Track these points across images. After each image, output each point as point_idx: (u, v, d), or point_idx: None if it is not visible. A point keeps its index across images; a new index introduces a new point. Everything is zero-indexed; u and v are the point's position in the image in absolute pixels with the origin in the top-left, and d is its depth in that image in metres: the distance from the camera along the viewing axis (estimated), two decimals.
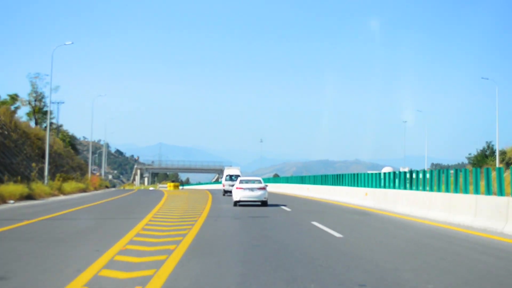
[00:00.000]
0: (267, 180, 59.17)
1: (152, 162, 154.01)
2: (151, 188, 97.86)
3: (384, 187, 24.95)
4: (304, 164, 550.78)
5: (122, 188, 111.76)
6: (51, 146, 48.57)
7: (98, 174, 57.83)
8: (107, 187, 73.38)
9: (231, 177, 40.73)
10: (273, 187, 55.58)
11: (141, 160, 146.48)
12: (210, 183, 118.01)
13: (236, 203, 25.59)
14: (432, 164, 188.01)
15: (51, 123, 69.73)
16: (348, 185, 31.32)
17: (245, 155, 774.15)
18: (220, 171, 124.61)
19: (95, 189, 54.40)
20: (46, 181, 39.03)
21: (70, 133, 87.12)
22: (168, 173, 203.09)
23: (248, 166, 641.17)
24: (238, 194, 25.41)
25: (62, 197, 35.59)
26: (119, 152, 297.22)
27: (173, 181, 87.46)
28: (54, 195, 36.09)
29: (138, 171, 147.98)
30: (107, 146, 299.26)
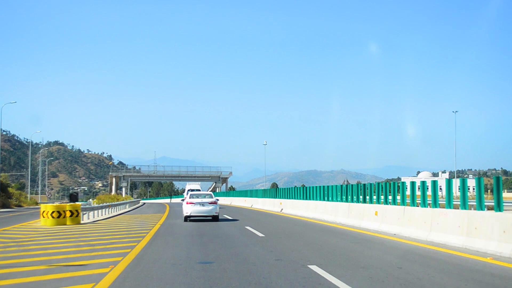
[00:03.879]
0: (259, 193, 47.53)
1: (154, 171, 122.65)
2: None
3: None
4: (294, 174, 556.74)
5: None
6: None
7: None
8: None
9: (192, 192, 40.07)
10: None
11: (143, 170, 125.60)
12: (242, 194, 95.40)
13: (186, 218, 24.58)
14: (418, 171, 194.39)
15: None
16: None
17: (239, 167, 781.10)
18: (218, 178, 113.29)
19: None
20: None
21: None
22: (162, 182, 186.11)
23: (243, 176, 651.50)
24: (189, 209, 24.34)
25: None
26: (121, 164, 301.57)
27: (71, 197, 50.86)
28: None
29: (114, 180, 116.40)
30: (110, 157, 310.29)
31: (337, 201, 24.09)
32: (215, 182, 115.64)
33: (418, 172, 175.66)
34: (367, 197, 20.23)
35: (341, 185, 25.03)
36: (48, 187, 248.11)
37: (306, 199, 29.70)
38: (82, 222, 24.47)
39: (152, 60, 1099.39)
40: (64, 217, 22.71)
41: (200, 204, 24.20)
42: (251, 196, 48.79)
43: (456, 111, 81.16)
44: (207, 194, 26.15)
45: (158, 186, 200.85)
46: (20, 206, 59.03)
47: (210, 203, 24.45)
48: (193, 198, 24.98)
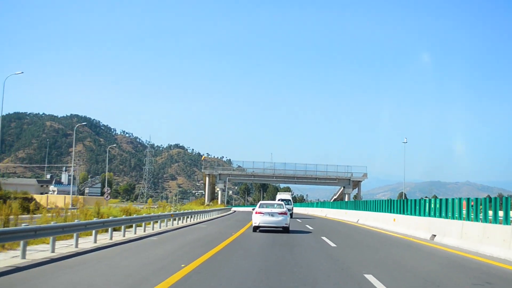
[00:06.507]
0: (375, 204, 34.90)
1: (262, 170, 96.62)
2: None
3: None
4: (416, 185, 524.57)
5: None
6: None
7: None
8: None
9: (284, 202, 35.36)
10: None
11: (247, 169, 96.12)
12: (322, 205, 65.56)
13: (255, 229, 23.46)
14: None
15: None
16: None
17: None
18: (348, 182, 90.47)
19: None
20: None
21: None
22: (279, 185, 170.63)
23: (363, 185, 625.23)
24: (257, 219, 23.30)
25: None
26: (240, 167, 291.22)
27: None
28: None
29: (207, 179, 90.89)
30: (230, 161, 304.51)
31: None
32: (343, 187, 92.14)
33: None
34: None
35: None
36: (166, 190, 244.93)
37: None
38: None
39: (270, 65, 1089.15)
40: None
41: (269, 214, 23.24)
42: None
43: None
44: (278, 204, 24.88)
45: (274, 191, 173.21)
46: None
47: (280, 214, 23.33)
48: (262, 207, 23.97)
